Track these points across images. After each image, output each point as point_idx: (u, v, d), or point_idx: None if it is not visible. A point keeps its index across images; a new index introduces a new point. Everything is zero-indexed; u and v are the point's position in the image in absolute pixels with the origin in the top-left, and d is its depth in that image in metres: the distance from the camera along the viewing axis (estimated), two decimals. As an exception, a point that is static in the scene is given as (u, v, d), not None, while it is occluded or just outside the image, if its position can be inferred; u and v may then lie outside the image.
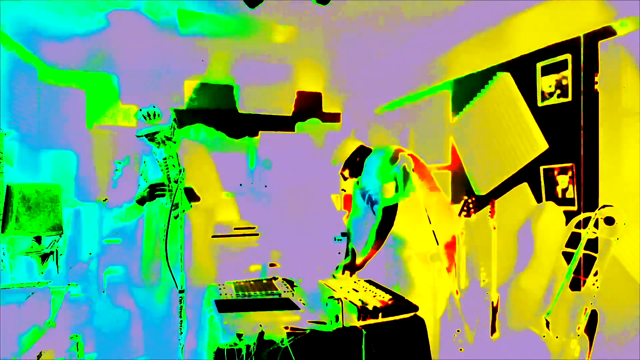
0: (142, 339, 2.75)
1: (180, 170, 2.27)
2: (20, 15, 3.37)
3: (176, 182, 2.24)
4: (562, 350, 2.63)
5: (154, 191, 2.50)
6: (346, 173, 2.89)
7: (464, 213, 3.03)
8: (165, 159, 2.35)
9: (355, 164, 2.84)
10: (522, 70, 3.52)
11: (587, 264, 2.79)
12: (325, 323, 2.04)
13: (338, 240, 5.23)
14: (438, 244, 2.68)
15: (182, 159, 2.43)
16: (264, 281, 2.78)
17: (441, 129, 4.52)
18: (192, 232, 2.66)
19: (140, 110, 2.67)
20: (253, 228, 5.04)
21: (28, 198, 3.06)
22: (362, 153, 2.86)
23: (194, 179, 2.55)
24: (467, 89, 4.14)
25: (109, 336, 3.45)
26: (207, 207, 2.75)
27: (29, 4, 3.21)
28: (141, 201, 2.58)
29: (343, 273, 2.77)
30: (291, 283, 2.70)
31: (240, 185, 5.38)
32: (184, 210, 2.26)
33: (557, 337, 2.67)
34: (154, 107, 2.66)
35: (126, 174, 2.75)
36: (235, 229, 4.93)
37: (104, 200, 4.55)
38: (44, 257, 3.25)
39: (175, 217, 2.23)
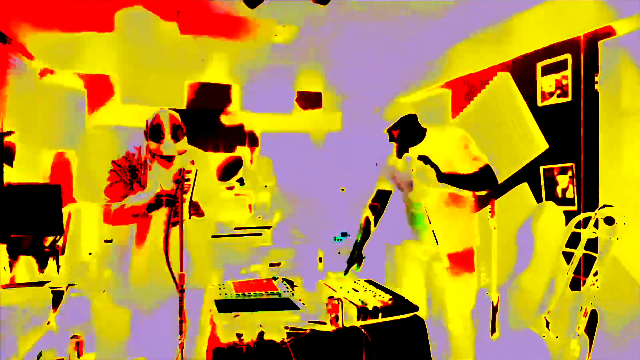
0: (142, 339, 2.75)
1: (188, 179, 2.22)
2: (21, 14, 3.37)
3: (184, 192, 2.20)
4: (562, 350, 2.63)
5: (161, 201, 2.43)
6: (396, 134, 2.65)
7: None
8: (181, 172, 2.27)
9: (408, 128, 2.63)
10: (522, 70, 3.52)
11: (587, 264, 2.79)
12: (325, 323, 2.04)
13: (338, 240, 5.23)
14: (438, 244, 2.68)
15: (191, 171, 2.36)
16: (264, 281, 2.78)
17: (441, 129, 4.52)
18: (192, 232, 2.65)
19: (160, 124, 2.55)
20: (253, 228, 5.04)
21: (27, 198, 3.06)
22: (415, 123, 2.67)
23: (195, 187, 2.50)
24: (467, 89, 4.14)
25: (109, 336, 3.45)
26: (209, 216, 2.71)
27: (29, 4, 3.21)
28: (150, 209, 2.47)
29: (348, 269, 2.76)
30: (291, 283, 2.70)
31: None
32: (183, 220, 2.21)
33: (557, 337, 2.67)
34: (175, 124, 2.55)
35: (127, 174, 2.70)
36: (235, 228, 4.93)
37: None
38: (44, 257, 3.25)
39: (174, 225, 2.18)
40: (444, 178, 2.44)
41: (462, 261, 2.63)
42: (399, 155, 2.67)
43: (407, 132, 2.64)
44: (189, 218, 2.39)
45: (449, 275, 2.61)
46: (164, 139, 2.52)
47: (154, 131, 2.53)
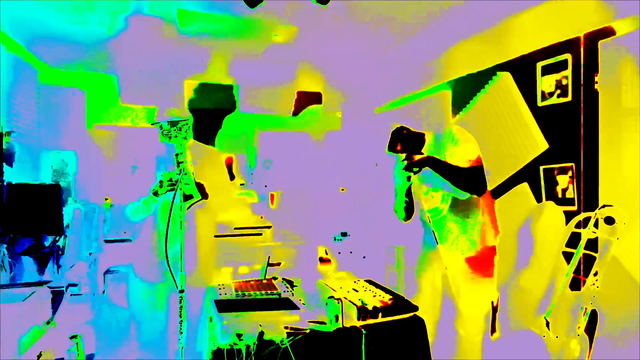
0: (142, 339, 2.75)
1: (182, 169, 2.27)
2: (21, 15, 3.37)
3: (178, 176, 2.26)
4: (562, 350, 2.63)
5: (166, 184, 2.52)
6: (398, 147, 2.56)
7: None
8: (177, 154, 2.38)
9: (403, 135, 2.56)
10: (522, 70, 3.52)
11: (587, 264, 2.79)
12: (325, 323, 2.04)
13: (338, 240, 5.23)
14: (437, 243, 2.69)
15: (192, 158, 2.45)
16: (264, 281, 2.78)
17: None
18: (194, 232, 2.66)
19: (161, 128, 2.56)
20: (254, 227, 5.03)
21: (28, 197, 3.06)
22: (406, 128, 2.60)
23: (204, 181, 2.57)
24: (467, 89, 4.14)
25: (109, 336, 3.45)
26: (218, 207, 2.77)
27: (29, 3, 3.21)
28: (156, 194, 2.59)
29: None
30: (291, 283, 2.70)
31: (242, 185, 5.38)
32: (199, 200, 2.31)
33: (557, 337, 2.67)
34: (171, 123, 2.61)
35: (141, 171, 2.77)
36: (235, 228, 4.92)
37: (105, 200, 4.55)
38: (44, 257, 3.24)
39: (188, 208, 2.28)
40: (426, 163, 2.46)
41: (481, 265, 2.63)
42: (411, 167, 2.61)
43: (406, 143, 2.62)
44: (201, 194, 2.44)
45: (467, 278, 2.62)
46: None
47: None
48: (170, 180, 2.52)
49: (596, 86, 2.92)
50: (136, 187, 2.76)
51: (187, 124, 2.58)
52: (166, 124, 2.54)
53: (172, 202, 2.26)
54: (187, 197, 2.36)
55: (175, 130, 2.53)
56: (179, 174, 2.34)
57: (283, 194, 5.52)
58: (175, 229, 2.25)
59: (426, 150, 2.64)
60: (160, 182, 2.56)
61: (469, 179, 2.51)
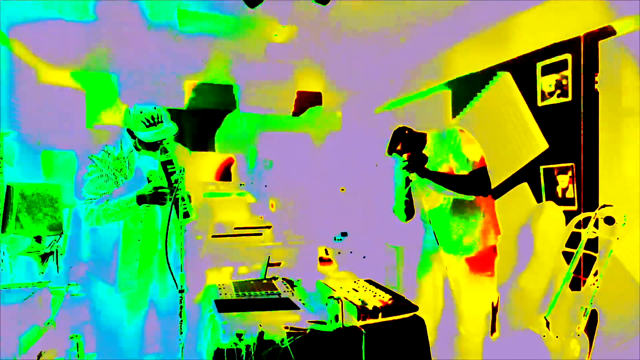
0: (143, 339, 2.75)
1: (180, 171, 2.25)
2: (21, 14, 3.37)
3: (177, 185, 2.22)
4: (562, 350, 2.63)
5: (159, 196, 2.32)
6: (399, 147, 2.59)
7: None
8: (165, 162, 2.28)
9: (405, 136, 2.59)
10: (522, 70, 3.51)
11: (587, 264, 2.79)
12: (325, 323, 2.04)
13: (338, 240, 5.23)
14: (438, 244, 2.69)
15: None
16: (264, 281, 2.78)
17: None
18: (189, 232, 2.64)
19: (142, 112, 2.36)
20: (254, 227, 5.04)
21: (28, 198, 3.06)
22: (408, 129, 2.63)
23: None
24: (467, 89, 4.14)
25: (108, 336, 3.44)
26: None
27: (29, 3, 3.21)
28: (141, 201, 2.36)
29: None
30: (291, 283, 2.70)
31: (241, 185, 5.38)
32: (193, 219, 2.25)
33: (557, 337, 2.67)
34: (155, 108, 2.39)
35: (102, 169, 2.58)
36: (235, 228, 4.93)
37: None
38: (44, 257, 3.25)
39: (182, 227, 2.21)
40: (427, 174, 2.49)
41: (482, 264, 2.64)
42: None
43: (408, 143, 2.61)
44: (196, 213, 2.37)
45: (467, 278, 2.62)
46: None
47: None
48: (164, 193, 2.31)
49: (596, 86, 2.92)
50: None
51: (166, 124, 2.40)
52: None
53: (170, 213, 2.21)
54: (185, 214, 2.23)
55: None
56: (173, 188, 2.21)
57: (283, 194, 5.52)
58: (172, 230, 2.24)
59: (428, 151, 2.65)
60: (153, 193, 2.31)
61: (473, 184, 2.53)
